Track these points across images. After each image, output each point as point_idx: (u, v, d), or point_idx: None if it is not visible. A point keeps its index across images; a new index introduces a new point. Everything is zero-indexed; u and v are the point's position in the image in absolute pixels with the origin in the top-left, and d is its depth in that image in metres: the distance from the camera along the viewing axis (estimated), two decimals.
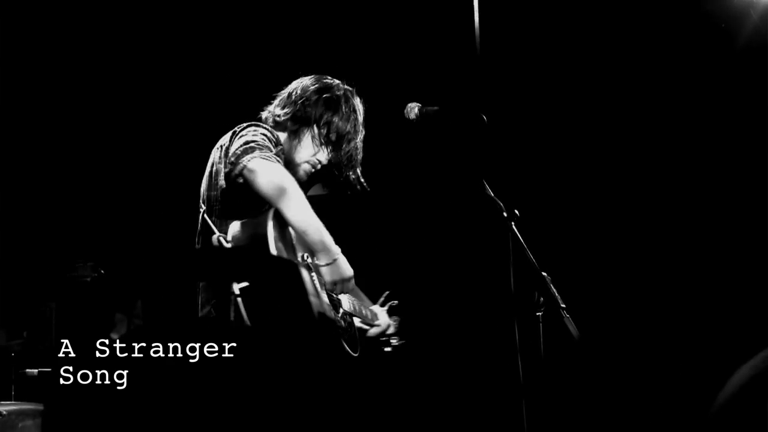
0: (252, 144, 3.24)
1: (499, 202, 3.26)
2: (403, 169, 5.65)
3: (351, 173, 3.69)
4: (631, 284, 5.39)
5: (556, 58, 5.56)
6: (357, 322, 3.72)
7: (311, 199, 3.76)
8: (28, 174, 5.72)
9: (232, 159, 3.22)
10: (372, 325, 3.86)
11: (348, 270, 3.36)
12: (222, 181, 3.36)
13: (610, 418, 4.86)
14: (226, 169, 3.27)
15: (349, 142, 3.61)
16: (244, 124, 3.43)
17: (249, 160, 3.17)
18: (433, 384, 5.64)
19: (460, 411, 5.56)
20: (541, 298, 3.16)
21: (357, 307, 3.70)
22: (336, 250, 3.30)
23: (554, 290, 3.14)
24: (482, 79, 5.11)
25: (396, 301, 3.97)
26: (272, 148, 3.31)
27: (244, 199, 3.30)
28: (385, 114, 4.07)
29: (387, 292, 3.97)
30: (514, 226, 3.21)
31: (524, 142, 5.58)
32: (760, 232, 5.13)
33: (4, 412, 4.51)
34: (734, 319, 5.06)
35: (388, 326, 3.94)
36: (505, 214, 3.23)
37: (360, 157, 3.68)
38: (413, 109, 3.50)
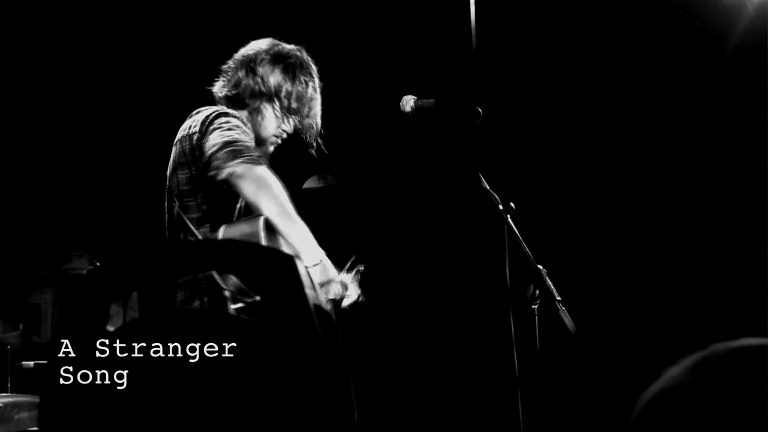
0: (236, 146, 3.14)
1: (495, 194, 3.25)
2: (399, 162, 5.65)
3: (310, 133, 3.59)
4: (627, 277, 5.39)
5: (552, 51, 5.56)
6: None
7: (307, 192, 3.77)
8: (22, 166, 5.71)
9: (216, 163, 3.13)
10: (343, 297, 3.81)
11: (333, 271, 3.35)
12: (199, 181, 3.30)
13: (604, 411, 4.87)
14: (210, 173, 3.16)
15: (309, 105, 3.53)
16: (212, 112, 3.32)
17: (236, 165, 3.09)
18: (430, 376, 5.65)
19: (457, 403, 5.57)
20: (537, 291, 3.16)
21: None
22: (321, 251, 3.28)
23: (550, 283, 3.14)
24: (478, 71, 5.11)
25: (362, 266, 3.93)
26: (251, 142, 3.27)
27: (224, 200, 3.27)
28: (380, 106, 4.06)
29: (353, 257, 3.93)
30: (509, 219, 3.21)
31: (520, 134, 5.58)
32: (756, 222, 5.13)
33: (0, 405, 4.52)
34: (730, 311, 5.06)
35: (359, 295, 3.89)
36: (500, 207, 3.22)
37: (319, 117, 3.60)
38: (409, 101, 3.48)
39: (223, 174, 3.12)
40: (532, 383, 3.39)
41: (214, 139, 3.19)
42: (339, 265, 3.82)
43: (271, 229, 3.14)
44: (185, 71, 5.49)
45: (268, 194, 3.11)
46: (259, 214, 3.12)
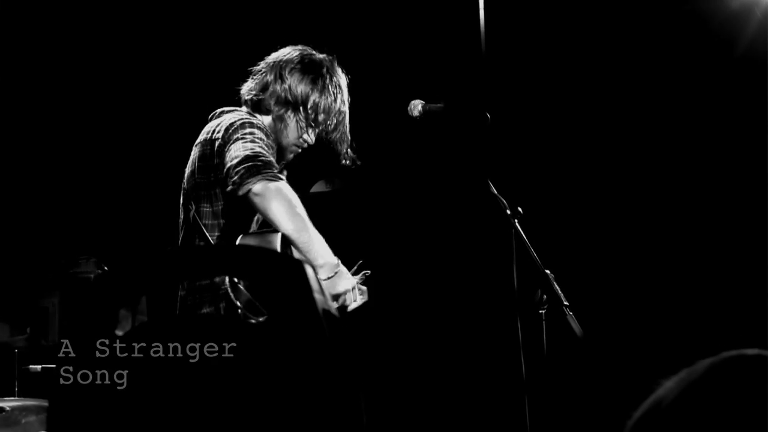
0: (256, 161, 3.14)
1: (503, 199, 3.25)
2: (407, 167, 5.65)
3: (341, 147, 3.58)
4: (634, 282, 5.38)
5: (560, 56, 5.56)
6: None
7: (314, 197, 3.76)
8: (30, 169, 5.71)
9: (235, 179, 3.12)
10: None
11: (350, 280, 3.35)
12: (217, 188, 3.30)
13: (611, 416, 4.85)
14: (229, 188, 3.16)
15: (337, 118, 3.51)
16: (238, 120, 3.31)
17: (255, 183, 3.09)
18: (437, 380, 5.64)
19: (464, 407, 5.56)
20: (544, 296, 3.16)
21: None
22: (336, 262, 3.28)
23: (557, 288, 3.14)
24: (486, 76, 5.11)
25: (369, 272, 3.94)
26: (273, 156, 3.25)
27: (241, 210, 3.27)
28: (388, 111, 4.06)
29: (360, 262, 3.94)
30: (517, 224, 3.21)
31: (528, 139, 5.57)
32: (760, 228, 5.12)
33: (7, 408, 4.52)
34: (736, 317, 5.05)
35: (363, 300, 3.90)
36: (508, 212, 3.22)
37: (348, 130, 3.58)
38: (417, 106, 3.48)
39: (242, 191, 3.11)
40: (540, 388, 3.38)
41: (236, 151, 3.18)
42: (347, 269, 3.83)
43: (287, 243, 3.15)
44: (198, 75, 5.51)
45: (284, 212, 3.10)
46: (277, 229, 3.13)
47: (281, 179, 3.17)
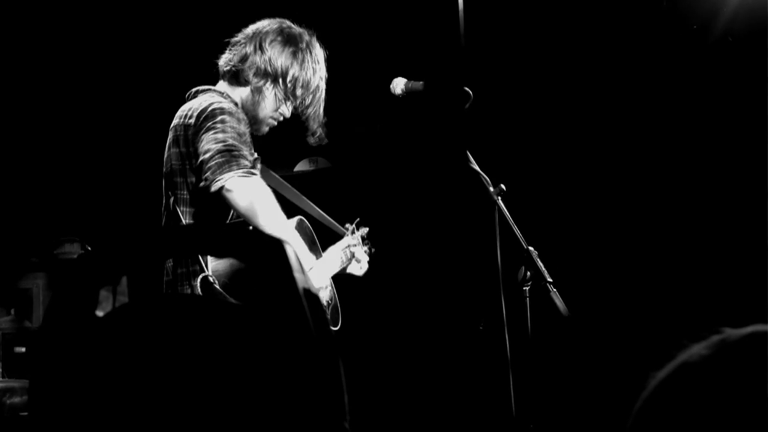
0: (229, 155, 3.10)
1: (486, 176, 3.25)
2: (389, 145, 5.65)
3: (313, 123, 3.57)
4: (618, 258, 5.40)
5: (542, 32, 5.54)
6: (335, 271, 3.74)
7: (298, 175, 3.76)
8: (13, 151, 5.69)
9: (207, 174, 3.10)
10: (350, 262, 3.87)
11: (325, 279, 3.47)
12: (191, 175, 3.28)
13: (595, 393, 4.88)
14: (202, 183, 3.15)
15: (313, 93, 3.50)
16: (210, 105, 3.27)
17: (227, 179, 3.07)
18: (421, 359, 5.66)
19: (448, 386, 5.58)
20: (528, 273, 3.17)
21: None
22: (312, 258, 3.32)
23: (541, 265, 3.15)
24: (468, 53, 5.10)
25: (367, 228, 3.96)
26: (245, 147, 3.20)
27: (215, 205, 3.25)
28: (371, 89, 4.05)
29: (357, 219, 3.95)
30: (500, 201, 3.21)
31: (510, 116, 5.57)
32: (754, 207, 5.12)
33: None
34: (723, 293, 5.06)
35: (369, 251, 3.93)
36: (491, 189, 3.22)
37: (322, 107, 3.57)
38: (399, 84, 3.48)
39: (215, 187, 3.08)
40: (524, 365, 3.39)
41: (207, 143, 3.15)
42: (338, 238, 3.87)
43: None
44: (176, 56, 5.48)
45: (257, 208, 3.07)
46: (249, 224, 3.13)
47: (254, 174, 3.14)
